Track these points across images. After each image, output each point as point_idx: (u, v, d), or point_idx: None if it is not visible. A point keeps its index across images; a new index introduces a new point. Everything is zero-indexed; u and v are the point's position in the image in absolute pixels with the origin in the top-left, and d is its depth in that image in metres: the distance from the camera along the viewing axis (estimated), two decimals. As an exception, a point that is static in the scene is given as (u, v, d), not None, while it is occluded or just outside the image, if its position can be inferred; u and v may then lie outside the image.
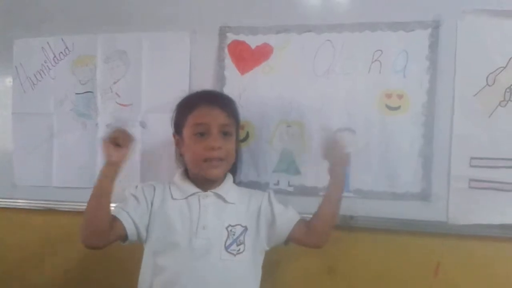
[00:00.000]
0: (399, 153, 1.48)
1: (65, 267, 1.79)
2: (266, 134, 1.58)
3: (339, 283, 1.56)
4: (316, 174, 1.53)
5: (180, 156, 1.40)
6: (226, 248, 1.30)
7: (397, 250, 1.51)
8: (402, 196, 1.47)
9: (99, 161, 1.69)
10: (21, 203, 1.81)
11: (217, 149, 1.29)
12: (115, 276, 1.66)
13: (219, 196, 1.34)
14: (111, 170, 1.24)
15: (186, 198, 1.33)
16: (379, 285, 1.53)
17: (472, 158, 1.42)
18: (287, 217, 1.38)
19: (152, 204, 1.33)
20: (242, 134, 1.58)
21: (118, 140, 1.23)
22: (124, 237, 1.29)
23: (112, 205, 1.27)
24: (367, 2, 1.50)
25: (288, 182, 1.57)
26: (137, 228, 1.29)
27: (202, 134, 1.30)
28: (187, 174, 1.38)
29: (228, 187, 1.37)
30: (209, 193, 1.34)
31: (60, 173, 1.76)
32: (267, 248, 1.39)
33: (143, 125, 1.67)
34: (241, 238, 1.32)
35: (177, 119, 1.39)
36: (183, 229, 1.29)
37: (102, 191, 1.23)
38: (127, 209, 1.29)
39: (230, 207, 1.34)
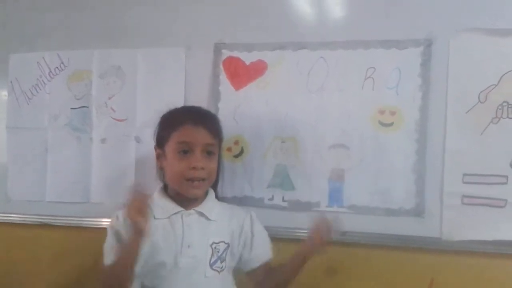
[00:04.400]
0: (393, 169, 1.48)
1: (58, 282, 1.77)
2: (260, 150, 1.58)
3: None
4: (310, 190, 1.54)
5: (160, 169, 1.38)
6: (211, 265, 1.29)
7: (390, 266, 1.51)
8: (395, 212, 1.48)
9: (93, 176, 1.71)
10: (14, 217, 1.80)
11: (200, 170, 1.28)
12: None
13: (201, 214, 1.33)
14: (138, 237, 1.18)
15: (168, 217, 1.32)
16: (373, 302, 1.53)
17: (464, 174, 1.43)
18: (261, 251, 1.37)
19: None
20: (236, 149, 1.59)
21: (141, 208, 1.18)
22: None
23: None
24: (360, 20, 1.52)
25: (283, 197, 1.57)
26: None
27: (185, 152, 1.29)
28: (166, 191, 1.37)
29: (210, 205, 1.36)
30: (191, 211, 1.33)
31: (54, 188, 1.75)
32: (233, 266, 1.38)
33: (138, 140, 1.68)
34: (224, 255, 1.32)
35: (161, 133, 1.38)
36: (168, 248, 1.28)
37: (131, 257, 1.19)
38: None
39: (213, 224, 1.33)
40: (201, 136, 1.30)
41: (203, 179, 1.30)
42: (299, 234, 1.54)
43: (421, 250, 1.48)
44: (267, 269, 1.37)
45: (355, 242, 1.51)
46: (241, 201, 1.56)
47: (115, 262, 1.22)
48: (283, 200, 1.57)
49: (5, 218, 1.81)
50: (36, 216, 1.77)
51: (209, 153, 1.32)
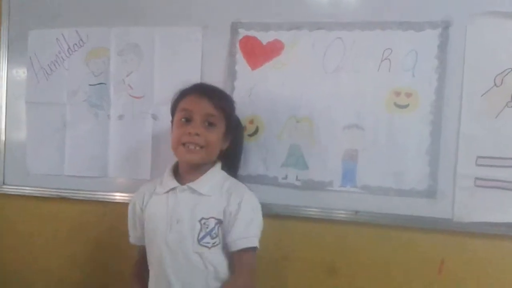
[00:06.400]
0: (407, 151, 1.49)
1: (76, 255, 1.82)
2: (275, 129, 1.60)
3: (342, 278, 1.58)
4: (324, 169, 1.56)
5: None
6: (199, 241, 1.31)
7: (401, 246, 1.53)
8: (408, 192, 1.49)
9: (111, 152, 1.74)
10: (33, 191, 1.83)
11: (195, 136, 1.31)
12: (125, 263, 1.68)
13: (193, 190, 1.35)
14: None
15: (166, 192, 1.37)
16: (383, 281, 1.55)
17: (478, 157, 1.44)
18: (236, 237, 1.31)
19: (142, 213, 1.42)
20: (251, 128, 1.61)
21: None
22: None
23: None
24: (378, 1, 1.51)
25: (296, 176, 1.58)
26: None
27: (187, 120, 1.34)
28: (176, 168, 1.42)
29: (207, 179, 1.37)
30: (185, 187, 1.36)
31: (72, 162, 1.78)
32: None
33: (154, 117, 1.70)
34: (216, 230, 1.32)
35: (172, 107, 1.44)
36: (161, 223, 1.34)
37: None
38: (135, 233, 1.46)
39: (205, 199, 1.34)
40: (202, 105, 1.34)
41: (200, 146, 1.32)
42: (311, 212, 1.57)
43: (432, 231, 1.49)
44: (237, 259, 1.33)
45: (367, 221, 1.53)
46: (255, 179, 1.59)
47: None
48: (297, 179, 1.58)
49: (24, 191, 1.85)
50: (55, 189, 1.80)
51: (210, 125, 1.35)
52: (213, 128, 1.35)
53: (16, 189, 1.86)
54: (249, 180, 1.55)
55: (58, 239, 1.83)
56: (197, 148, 1.32)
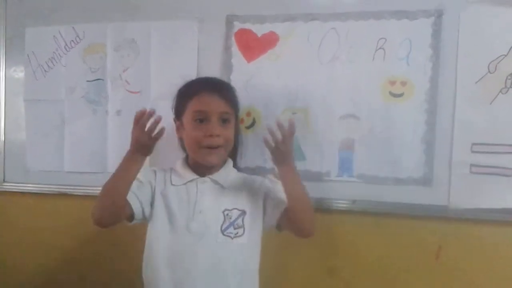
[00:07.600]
0: (402, 139, 1.51)
1: (76, 251, 1.83)
2: (272, 121, 1.57)
3: (339, 266, 1.60)
4: (321, 160, 1.57)
5: (180, 140, 1.43)
6: (223, 231, 1.32)
7: (399, 234, 1.54)
8: (404, 181, 1.51)
9: (109, 147, 1.75)
10: (33, 187, 1.85)
11: (216, 137, 1.31)
12: (125, 259, 1.70)
13: (216, 182, 1.37)
14: (138, 153, 1.26)
15: (184, 184, 1.37)
16: (381, 269, 1.56)
17: (473, 144, 1.45)
18: (278, 200, 1.34)
19: (154, 186, 1.37)
20: (248, 121, 1.62)
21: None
22: (131, 217, 1.32)
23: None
24: (371, -9, 1.52)
25: (294, 168, 1.60)
26: (142, 206, 1.33)
27: (201, 120, 1.33)
28: (188, 161, 1.41)
29: (226, 173, 1.40)
30: (206, 178, 1.37)
31: (72, 158, 1.80)
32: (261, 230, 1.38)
33: (152, 112, 1.71)
34: (239, 221, 1.34)
35: (178, 105, 1.41)
36: (181, 213, 1.34)
37: (128, 173, 1.26)
38: (132, 189, 1.29)
39: (227, 192, 1.36)
40: (216, 104, 1.33)
41: (219, 146, 1.33)
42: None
43: (429, 218, 1.51)
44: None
45: (365, 210, 1.55)
46: (253, 171, 1.59)
47: (111, 177, 1.26)
48: (294, 170, 1.60)
49: (25, 188, 1.86)
50: (55, 186, 1.82)
51: (224, 121, 1.34)
52: (228, 124, 1.36)
53: (16, 186, 1.87)
54: (247, 172, 1.54)
55: (58, 235, 1.84)
56: (217, 149, 1.33)
